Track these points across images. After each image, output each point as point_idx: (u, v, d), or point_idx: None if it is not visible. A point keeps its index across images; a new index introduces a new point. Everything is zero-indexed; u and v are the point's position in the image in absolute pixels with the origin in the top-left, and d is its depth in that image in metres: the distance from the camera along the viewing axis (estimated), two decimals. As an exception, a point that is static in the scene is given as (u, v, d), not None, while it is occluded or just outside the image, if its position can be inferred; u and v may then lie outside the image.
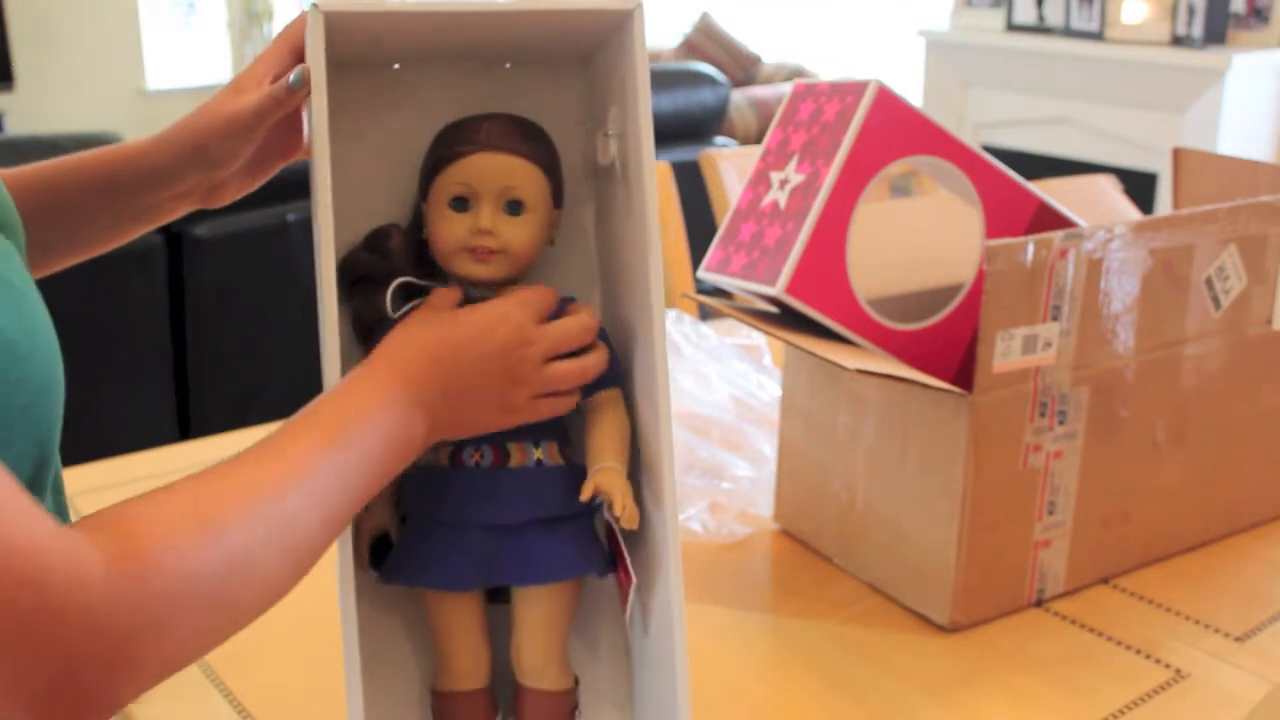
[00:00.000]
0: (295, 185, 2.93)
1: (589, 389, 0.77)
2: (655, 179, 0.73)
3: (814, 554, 1.13)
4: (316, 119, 0.71)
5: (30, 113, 5.73)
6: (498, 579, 0.77)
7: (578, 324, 0.75)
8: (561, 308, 0.77)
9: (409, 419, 0.68)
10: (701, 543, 1.14)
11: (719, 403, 1.38)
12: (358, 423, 0.65)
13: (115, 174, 0.84)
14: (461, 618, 0.79)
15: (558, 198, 0.79)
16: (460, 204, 0.75)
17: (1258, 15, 3.82)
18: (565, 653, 0.81)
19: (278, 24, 6.64)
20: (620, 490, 0.75)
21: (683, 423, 1.31)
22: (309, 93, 0.73)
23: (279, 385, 2.57)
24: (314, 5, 0.70)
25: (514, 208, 0.75)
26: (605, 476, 0.75)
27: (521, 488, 0.75)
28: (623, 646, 0.85)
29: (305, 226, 2.87)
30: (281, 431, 0.63)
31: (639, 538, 0.78)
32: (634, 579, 0.77)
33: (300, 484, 0.60)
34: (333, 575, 0.75)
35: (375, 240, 0.79)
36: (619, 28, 0.74)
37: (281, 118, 0.80)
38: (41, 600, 0.49)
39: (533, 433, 0.76)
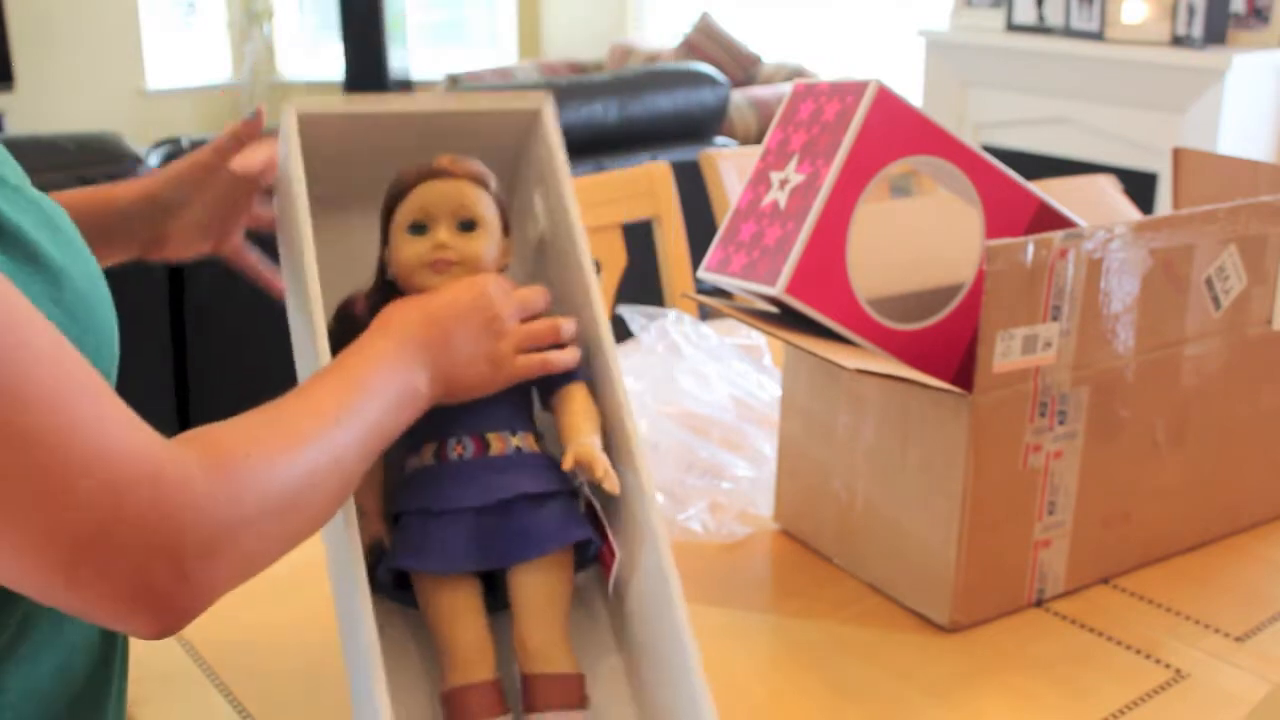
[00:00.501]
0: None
1: (555, 384, 0.83)
2: (588, 249, 0.83)
3: (814, 554, 1.13)
4: (300, 214, 0.79)
5: (30, 113, 5.73)
6: (493, 559, 0.79)
7: (536, 292, 0.83)
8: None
9: (411, 371, 0.75)
10: (701, 543, 1.14)
11: (719, 403, 1.38)
12: (373, 377, 0.73)
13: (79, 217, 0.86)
14: (462, 603, 0.80)
15: (506, 226, 0.86)
16: (418, 229, 0.82)
17: (1258, 15, 3.82)
18: (568, 636, 0.81)
19: (278, 24, 6.65)
20: (599, 458, 0.78)
21: (683, 423, 1.31)
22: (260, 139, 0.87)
23: (279, 385, 2.56)
24: (289, 105, 0.84)
25: (467, 226, 0.82)
26: (583, 448, 0.79)
27: (505, 471, 0.79)
28: (623, 645, 0.85)
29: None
30: (312, 382, 0.71)
31: (620, 516, 0.81)
32: (618, 554, 0.80)
33: (341, 421, 0.68)
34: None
35: (342, 311, 0.85)
36: (533, 123, 0.89)
37: (246, 185, 0.90)
38: (157, 495, 0.56)
39: (509, 423, 0.81)
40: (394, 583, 0.82)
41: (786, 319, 1.01)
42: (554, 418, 0.83)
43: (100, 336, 0.66)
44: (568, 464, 0.78)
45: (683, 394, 1.38)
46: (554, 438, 0.84)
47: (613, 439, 0.82)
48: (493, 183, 0.84)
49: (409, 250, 0.82)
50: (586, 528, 0.82)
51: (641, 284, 2.06)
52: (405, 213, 0.82)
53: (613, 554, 0.81)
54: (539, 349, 0.82)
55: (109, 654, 0.78)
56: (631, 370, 1.44)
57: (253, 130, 0.90)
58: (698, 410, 1.35)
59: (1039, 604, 1.04)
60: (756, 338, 1.54)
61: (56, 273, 0.64)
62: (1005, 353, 0.94)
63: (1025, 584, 1.03)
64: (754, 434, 1.31)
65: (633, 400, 1.31)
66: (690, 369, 1.44)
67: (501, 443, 0.80)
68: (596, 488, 0.82)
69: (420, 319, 0.77)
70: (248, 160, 0.91)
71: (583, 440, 0.80)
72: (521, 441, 0.82)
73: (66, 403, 0.54)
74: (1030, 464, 0.99)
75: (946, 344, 1.02)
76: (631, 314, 1.54)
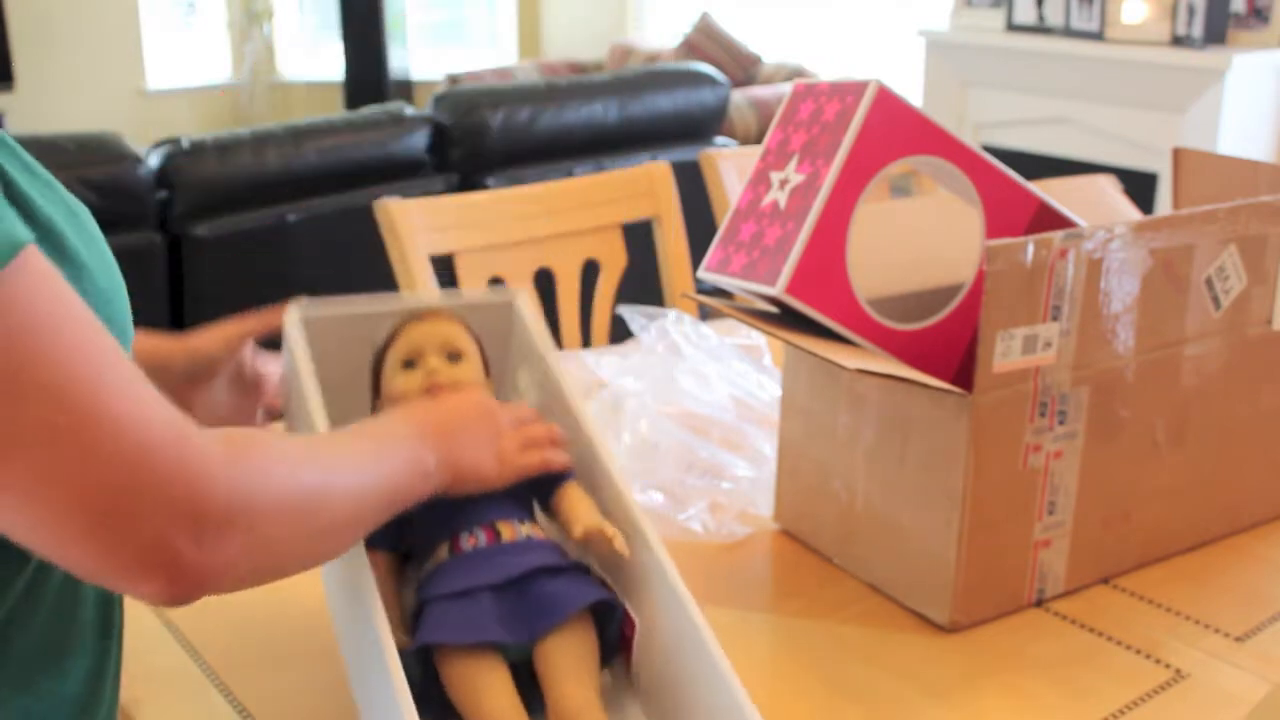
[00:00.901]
0: (295, 185, 2.95)
1: (552, 484, 0.87)
2: (590, 413, 0.89)
3: (814, 554, 1.13)
4: (314, 411, 0.85)
5: (30, 113, 5.73)
6: (519, 632, 0.79)
7: (525, 409, 0.89)
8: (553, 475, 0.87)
9: (422, 449, 0.79)
10: (702, 543, 1.14)
11: (719, 403, 1.38)
12: (387, 439, 0.78)
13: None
14: (491, 674, 0.79)
15: (486, 367, 0.93)
16: (409, 364, 0.90)
17: (1258, 15, 3.82)
18: (601, 699, 0.80)
19: (278, 24, 6.64)
20: (607, 524, 0.82)
21: (683, 423, 1.31)
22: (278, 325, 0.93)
23: (279, 385, 2.56)
24: (293, 307, 0.95)
25: (455, 357, 0.90)
26: (591, 520, 0.83)
27: (518, 553, 0.82)
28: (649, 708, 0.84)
29: (305, 226, 2.88)
30: (330, 434, 0.77)
31: (638, 592, 0.83)
32: (637, 622, 0.81)
33: (357, 463, 0.74)
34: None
35: None
36: (509, 312, 0.99)
37: (248, 383, 0.97)
38: (182, 461, 0.59)
39: (516, 514, 0.85)
40: (417, 693, 0.79)
41: (786, 319, 1.01)
42: (555, 516, 0.87)
43: (117, 328, 0.68)
44: (578, 533, 0.82)
45: (683, 394, 1.38)
46: (555, 537, 0.88)
47: (623, 528, 0.84)
48: (473, 329, 0.93)
49: (403, 383, 0.89)
50: (604, 590, 0.83)
51: (641, 284, 2.06)
52: (396, 353, 0.90)
53: (632, 624, 0.83)
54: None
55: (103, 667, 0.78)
56: (631, 370, 1.44)
57: (266, 325, 0.97)
58: (698, 410, 1.35)
59: (1039, 604, 1.04)
60: (756, 338, 1.54)
61: (81, 265, 0.66)
62: (1005, 353, 0.94)
63: (1025, 584, 1.03)
64: (754, 434, 1.31)
65: (633, 400, 1.32)
66: (690, 369, 1.44)
67: (511, 530, 0.83)
68: (606, 564, 0.85)
69: (428, 412, 0.83)
70: (267, 374, 0.99)
71: (587, 519, 0.84)
72: (530, 530, 0.85)
73: (103, 370, 0.58)
74: (1030, 464, 0.99)
75: (946, 344, 1.02)
76: (631, 314, 1.54)
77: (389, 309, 0.96)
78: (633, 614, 0.82)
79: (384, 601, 0.76)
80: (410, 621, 0.83)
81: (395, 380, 0.90)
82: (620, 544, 0.81)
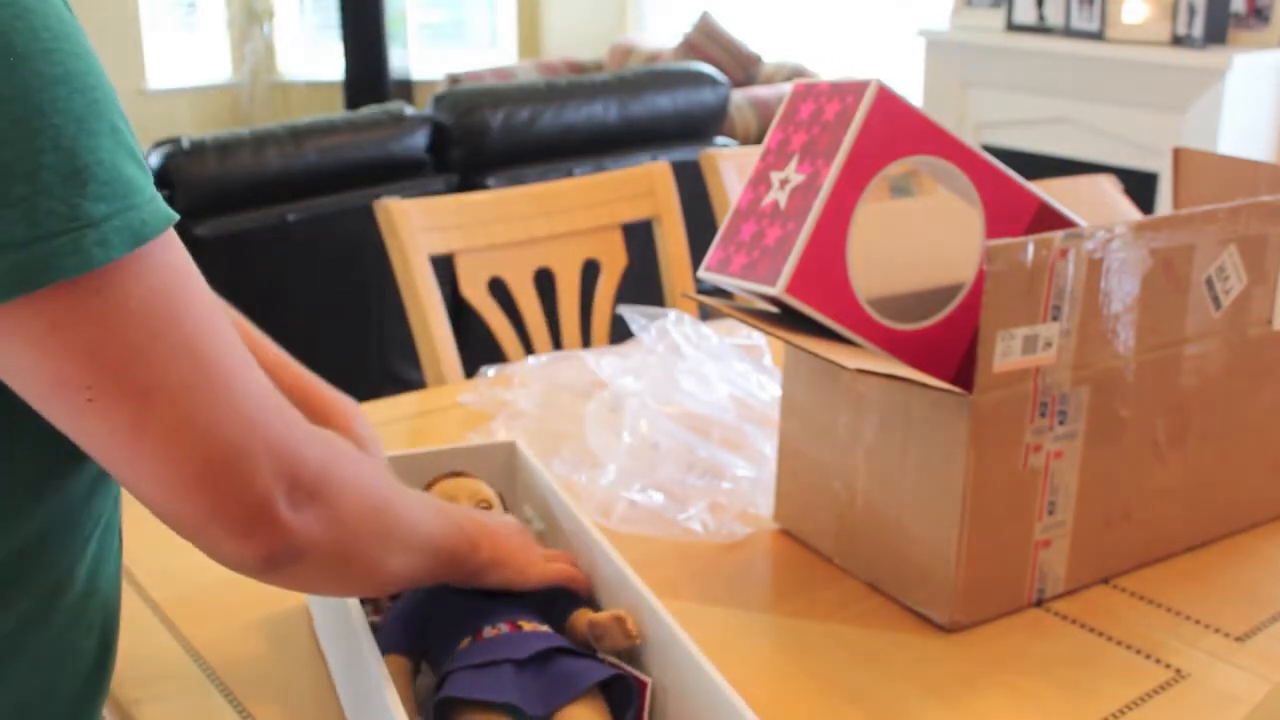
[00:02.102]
0: (295, 185, 2.95)
1: (569, 608, 0.90)
2: (603, 536, 0.91)
3: (814, 554, 1.13)
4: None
5: (30, 113, 5.71)
6: (537, 704, 0.80)
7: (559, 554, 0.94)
8: (564, 595, 0.90)
9: (469, 526, 0.84)
10: (702, 543, 1.14)
11: (719, 403, 1.38)
12: (444, 507, 0.84)
13: None
14: None
15: None
16: None
17: (1258, 15, 3.82)
18: None
19: (278, 24, 6.64)
20: (616, 610, 0.86)
21: (683, 423, 1.31)
22: None
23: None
24: None
25: (483, 507, 0.96)
26: (598, 614, 0.87)
27: (540, 639, 0.84)
28: None
29: (305, 226, 2.88)
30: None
31: (644, 661, 0.85)
32: (649, 681, 0.83)
33: (421, 505, 0.80)
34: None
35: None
36: (511, 455, 1.07)
37: None
38: (287, 432, 0.66)
39: (536, 616, 0.87)
40: None
41: (786, 319, 1.01)
42: (569, 634, 0.89)
43: None
44: (596, 617, 0.86)
45: (683, 394, 1.38)
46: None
47: (640, 616, 0.86)
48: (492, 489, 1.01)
49: None
50: (619, 669, 0.84)
51: (641, 284, 2.06)
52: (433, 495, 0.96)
53: (644, 684, 0.83)
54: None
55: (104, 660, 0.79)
56: (631, 370, 1.44)
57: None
58: (698, 410, 1.35)
59: (1039, 604, 1.04)
60: (756, 338, 1.54)
61: None
62: (1005, 353, 0.94)
63: (1025, 584, 1.03)
64: (754, 434, 1.31)
65: (633, 400, 1.32)
66: (690, 369, 1.44)
67: (532, 626, 0.86)
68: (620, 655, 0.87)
69: (471, 513, 0.89)
70: None
71: (600, 614, 0.87)
72: (549, 629, 0.88)
73: (227, 343, 0.64)
74: (1030, 464, 0.99)
75: (946, 344, 1.02)
76: (631, 314, 1.54)
77: (399, 454, 1.04)
78: (643, 676, 0.83)
79: (400, 697, 0.78)
80: (429, 702, 0.83)
81: None
82: (634, 625, 0.84)
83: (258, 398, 0.65)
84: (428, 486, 0.99)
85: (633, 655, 0.86)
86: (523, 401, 1.42)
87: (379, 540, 0.74)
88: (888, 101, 0.98)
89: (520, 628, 0.85)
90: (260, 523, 0.64)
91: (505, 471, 1.08)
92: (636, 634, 0.84)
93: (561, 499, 0.98)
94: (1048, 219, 1.05)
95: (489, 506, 0.97)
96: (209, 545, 0.65)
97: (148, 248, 0.60)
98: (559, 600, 0.90)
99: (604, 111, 3.27)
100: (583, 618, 0.88)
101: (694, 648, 0.78)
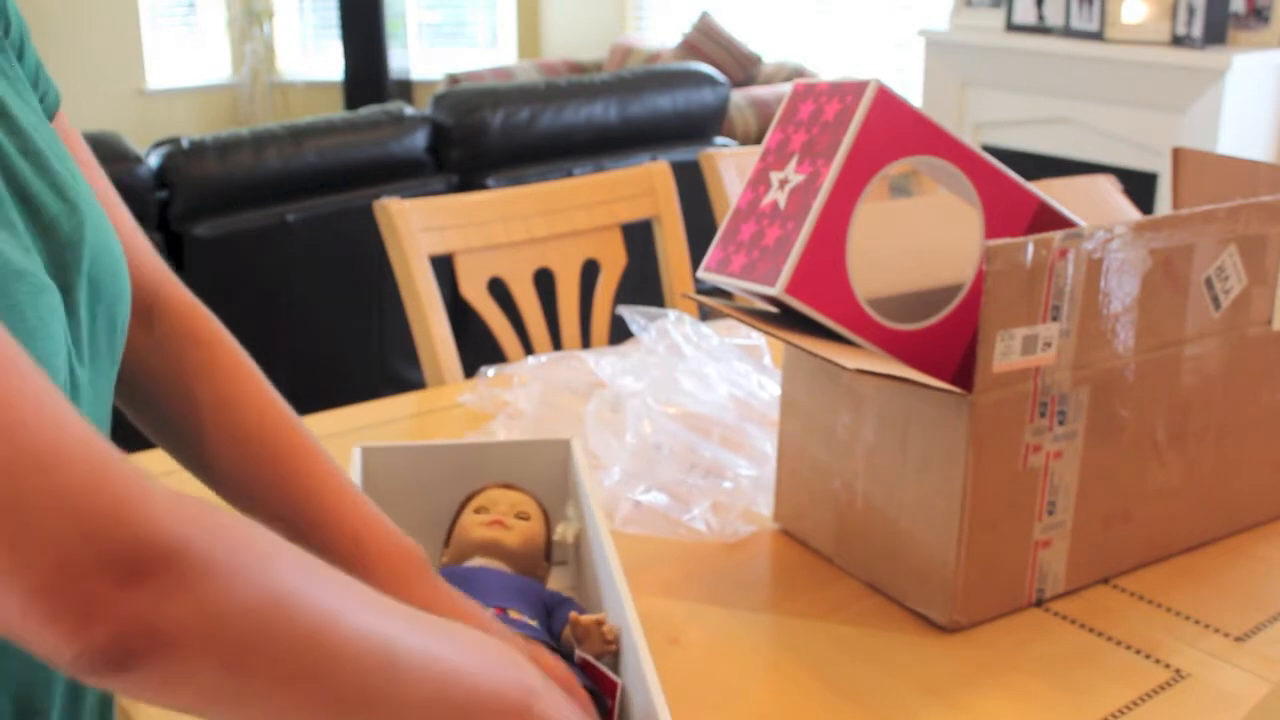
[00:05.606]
0: (295, 185, 2.95)
1: (563, 614, 0.90)
2: (614, 549, 0.90)
3: (814, 554, 1.13)
4: None
5: (30, 113, 5.71)
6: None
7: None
8: (568, 606, 0.92)
9: (520, 657, 0.70)
10: (705, 542, 1.14)
11: (719, 403, 1.38)
12: (473, 631, 0.68)
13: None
14: None
15: (548, 550, 0.99)
16: (481, 511, 0.97)
17: (1258, 15, 3.82)
18: None
19: (278, 24, 6.65)
20: (597, 615, 0.86)
21: (683, 423, 1.31)
22: None
23: (278, 384, 2.57)
24: (358, 445, 1.05)
25: (522, 517, 0.97)
26: (587, 615, 0.86)
27: (523, 629, 0.85)
28: None
29: (305, 226, 2.88)
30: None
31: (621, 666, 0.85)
32: (619, 681, 0.82)
33: (406, 624, 0.61)
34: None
35: None
36: (565, 451, 1.08)
37: None
38: (102, 482, 0.48)
39: (528, 613, 0.88)
40: None
41: (786, 319, 1.01)
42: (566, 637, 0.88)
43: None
44: (577, 619, 0.85)
45: (683, 394, 1.38)
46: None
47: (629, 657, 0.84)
48: (543, 507, 1.01)
49: (472, 521, 0.97)
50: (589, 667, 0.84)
51: (641, 284, 2.06)
52: (474, 504, 0.99)
53: (613, 685, 0.83)
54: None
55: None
56: (631, 370, 1.44)
57: None
58: (698, 410, 1.35)
59: (1039, 604, 1.04)
60: (756, 338, 1.54)
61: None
62: (1005, 353, 0.94)
63: (1025, 584, 1.03)
64: (755, 434, 1.31)
65: (634, 401, 1.32)
66: (691, 369, 1.44)
67: (520, 616, 0.87)
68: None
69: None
70: None
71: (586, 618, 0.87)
72: (536, 624, 0.88)
73: (27, 380, 0.49)
74: (1030, 464, 0.99)
75: (946, 344, 1.02)
76: (631, 314, 1.54)
77: (451, 444, 1.07)
78: (615, 677, 0.83)
79: None
80: None
81: (465, 518, 0.98)
82: (609, 628, 0.84)
83: (57, 434, 0.48)
84: (476, 493, 0.99)
85: (613, 656, 0.87)
86: (522, 401, 1.42)
87: (284, 651, 0.53)
88: (887, 101, 0.98)
89: (508, 614, 0.86)
90: (67, 602, 0.47)
91: (559, 470, 1.09)
92: (613, 639, 0.84)
93: (586, 499, 0.98)
94: (1047, 219, 1.05)
95: (526, 518, 0.97)
96: (13, 634, 0.49)
97: None
98: (557, 611, 0.91)
99: (604, 111, 3.27)
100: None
101: (646, 654, 0.77)
